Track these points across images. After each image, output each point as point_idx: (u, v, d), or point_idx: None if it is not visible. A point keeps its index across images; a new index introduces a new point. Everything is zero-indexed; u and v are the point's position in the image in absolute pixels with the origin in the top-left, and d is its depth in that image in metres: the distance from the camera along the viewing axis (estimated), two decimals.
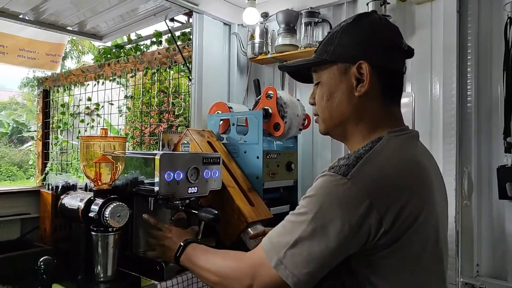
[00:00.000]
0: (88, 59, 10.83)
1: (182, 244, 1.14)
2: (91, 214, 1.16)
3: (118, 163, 1.21)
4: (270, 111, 1.78)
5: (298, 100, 1.88)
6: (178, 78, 2.92)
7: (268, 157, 1.72)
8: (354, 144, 0.92)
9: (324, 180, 0.79)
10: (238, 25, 2.28)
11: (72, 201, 1.26)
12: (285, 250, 0.79)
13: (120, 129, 3.65)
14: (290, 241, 0.78)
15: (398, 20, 1.81)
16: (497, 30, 1.61)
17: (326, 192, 0.78)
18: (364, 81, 0.86)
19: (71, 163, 3.66)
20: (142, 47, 3.22)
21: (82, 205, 1.20)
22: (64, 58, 10.82)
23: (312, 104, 0.99)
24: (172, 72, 2.99)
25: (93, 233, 1.16)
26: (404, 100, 1.76)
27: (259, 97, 1.86)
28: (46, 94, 3.90)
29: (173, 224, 1.37)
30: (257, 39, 2.16)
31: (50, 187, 1.40)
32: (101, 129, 1.23)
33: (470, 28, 1.65)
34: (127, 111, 3.49)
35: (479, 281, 1.58)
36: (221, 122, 1.90)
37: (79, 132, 3.61)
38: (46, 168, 3.71)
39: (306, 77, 1.00)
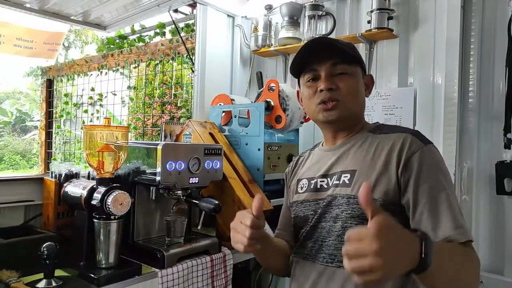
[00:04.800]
0: (92, 49, 10.83)
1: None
2: (94, 202, 1.18)
3: (121, 152, 1.23)
4: (272, 103, 1.79)
5: None
6: (181, 69, 2.92)
7: (269, 149, 1.73)
8: (350, 132, 1.08)
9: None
10: (241, 17, 2.28)
11: (75, 189, 1.28)
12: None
13: (123, 119, 3.66)
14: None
15: (402, 14, 1.81)
16: (500, 26, 1.61)
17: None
18: (369, 88, 1.11)
19: (73, 153, 3.68)
20: (145, 38, 3.22)
21: (84, 193, 1.22)
22: (68, 48, 10.82)
23: (329, 89, 1.02)
24: (175, 63, 3.00)
25: (95, 220, 1.18)
26: (406, 94, 1.78)
27: (261, 89, 1.87)
28: (49, 84, 3.91)
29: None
30: (260, 32, 2.16)
31: (53, 175, 1.42)
32: (104, 118, 1.24)
33: (474, 23, 1.65)
34: (130, 102, 3.50)
35: None
36: (223, 114, 1.91)
37: (83, 122, 3.62)
38: (50, 158, 3.73)
39: (314, 61, 1.05)
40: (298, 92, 1.19)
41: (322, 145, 1.18)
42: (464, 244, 0.85)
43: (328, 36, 1.99)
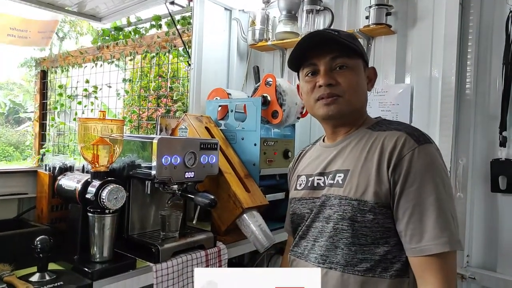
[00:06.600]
0: (87, 40, 10.71)
1: None
2: (88, 196, 1.17)
3: (116, 145, 1.22)
4: (269, 98, 1.78)
5: None
6: (177, 62, 2.90)
7: (265, 144, 1.73)
8: (350, 129, 1.06)
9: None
10: (239, 10, 2.26)
11: (69, 182, 1.27)
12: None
13: (117, 112, 3.64)
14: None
15: (400, 10, 1.80)
16: (498, 24, 1.61)
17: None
18: (372, 81, 1.08)
19: (67, 145, 3.65)
20: (141, 30, 3.19)
21: (79, 186, 1.21)
22: (62, 39, 10.70)
23: (329, 85, 1.00)
24: (171, 56, 2.97)
25: (89, 214, 1.17)
26: (402, 91, 1.78)
27: (258, 84, 1.86)
28: (43, 75, 3.87)
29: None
30: (258, 26, 2.14)
31: (47, 167, 1.41)
32: (100, 111, 1.23)
33: (472, 20, 1.65)
34: (125, 94, 3.47)
35: (469, 271, 1.61)
36: (220, 108, 1.90)
37: (76, 114, 3.59)
38: (42, 150, 3.70)
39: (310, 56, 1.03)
40: (298, 85, 1.16)
41: (323, 140, 1.16)
42: (439, 256, 0.84)
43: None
